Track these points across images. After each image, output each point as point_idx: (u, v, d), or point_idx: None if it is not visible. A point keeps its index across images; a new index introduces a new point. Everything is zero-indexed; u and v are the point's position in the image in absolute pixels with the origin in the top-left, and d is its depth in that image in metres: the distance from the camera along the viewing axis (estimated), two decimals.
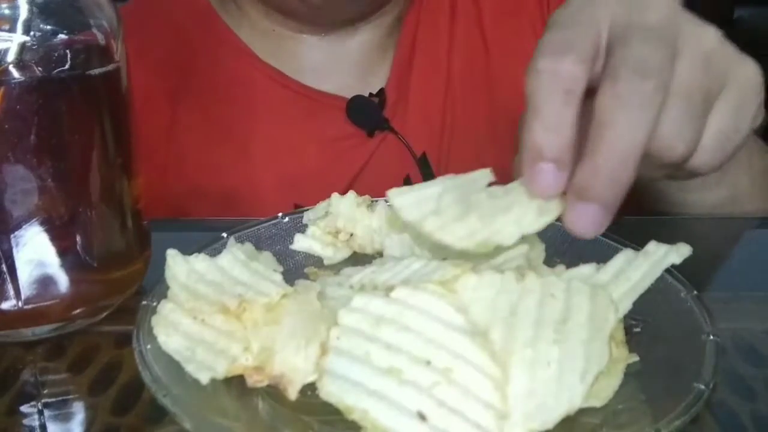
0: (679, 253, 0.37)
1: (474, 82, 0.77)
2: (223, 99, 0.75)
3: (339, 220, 0.48)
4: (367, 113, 0.75)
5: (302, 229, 0.49)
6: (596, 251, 0.43)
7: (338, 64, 0.77)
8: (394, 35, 0.78)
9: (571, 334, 0.32)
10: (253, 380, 0.35)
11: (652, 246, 0.38)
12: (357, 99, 0.75)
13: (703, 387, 0.32)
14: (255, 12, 0.76)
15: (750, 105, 0.41)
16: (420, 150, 0.75)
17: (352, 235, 0.48)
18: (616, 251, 0.40)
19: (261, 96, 0.75)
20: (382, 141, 0.75)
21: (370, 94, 0.75)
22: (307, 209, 0.50)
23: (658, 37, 0.37)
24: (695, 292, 0.38)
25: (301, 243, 0.48)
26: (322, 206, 0.49)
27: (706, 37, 0.40)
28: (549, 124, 0.35)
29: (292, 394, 0.34)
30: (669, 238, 0.39)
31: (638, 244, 0.40)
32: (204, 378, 0.34)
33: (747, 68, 0.41)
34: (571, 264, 0.40)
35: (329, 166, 0.73)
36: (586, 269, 0.38)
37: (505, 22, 0.79)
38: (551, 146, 0.35)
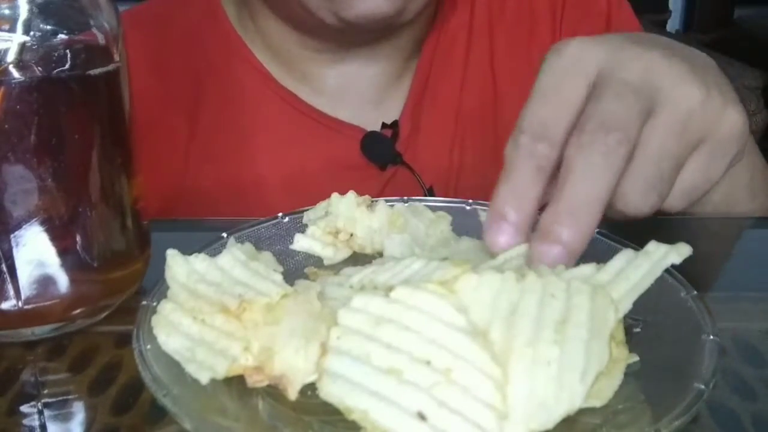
0: (679, 253, 0.37)
1: (482, 116, 0.77)
2: (237, 118, 0.74)
3: (339, 220, 0.48)
4: (380, 148, 0.75)
5: (302, 229, 0.49)
6: (596, 251, 0.43)
7: (353, 89, 0.76)
8: (412, 61, 0.77)
9: (571, 334, 0.32)
10: (253, 380, 0.35)
11: (652, 246, 0.38)
12: (371, 134, 0.74)
13: (703, 387, 0.32)
14: (271, 29, 0.74)
15: (726, 156, 0.43)
16: (430, 183, 0.75)
17: (352, 235, 0.48)
18: (616, 251, 0.40)
19: (274, 118, 0.74)
20: (394, 174, 0.74)
21: (384, 124, 0.75)
22: (308, 209, 0.50)
23: (633, 92, 0.39)
24: (695, 292, 0.38)
25: (301, 243, 0.48)
26: (322, 206, 0.49)
27: (688, 97, 0.41)
28: (517, 194, 0.39)
29: (292, 394, 0.33)
30: (669, 238, 0.39)
31: (638, 244, 0.40)
32: (204, 378, 0.34)
33: (729, 119, 0.42)
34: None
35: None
36: (586, 269, 0.38)
37: (515, 54, 0.78)
38: (514, 212, 0.38)
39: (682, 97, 0.40)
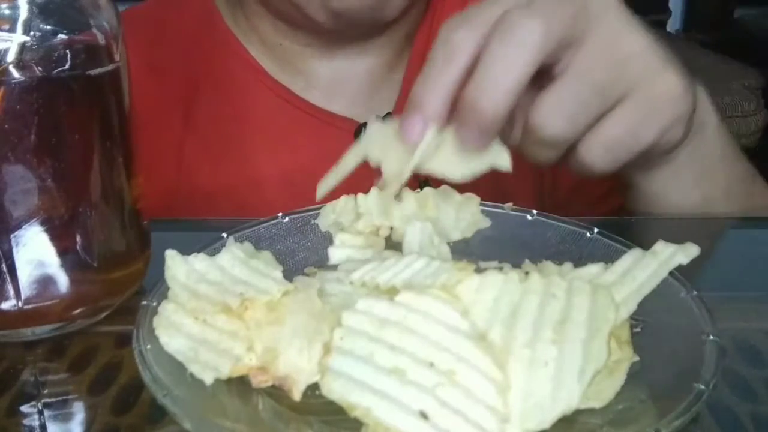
0: (686, 253, 0.37)
1: None
2: (233, 114, 0.74)
3: (375, 218, 0.47)
4: None
5: (302, 229, 0.49)
6: (596, 251, 0.43)
7: (346, 83, 0.76)
8: (404, 54, 0.77)
9: (569, 334, 0.32)
10: (258, 380, 0.35)
11: (660, 246, 0.38)
12: (365, 126, 0.74)
13: (703, 387, 0.32)
14: (263, 25, 0.75)
15: (659, 117, 0.42)
16: (424, 175, 0.74)
17: (392, 228, 0.47)
18: (616, 251, 0.40)
19: (270, 114, 0.74)
20: None
21: (377, 117, 0.75)
22: (308, 209, 0.50)
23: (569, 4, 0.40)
24: (695, 292, 0.38)
25: (337, 255, 0.47)
26: (327, 209, 0.49)
27: (628, 39, 0.41)
28: (427, 84, 0.39)
29: (297, 395, 0.33)
30: (669, 238, 0.39)
31: (641, 244, 0.40)
32: (208, 378, 0.34)
33: (667, 79, 0.42)
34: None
35: (336, 188, 0.73)
36: (594, 269, 0.38)
37: None
38: (425, 102, 0.39)
39: (624, 38, 0.41)
